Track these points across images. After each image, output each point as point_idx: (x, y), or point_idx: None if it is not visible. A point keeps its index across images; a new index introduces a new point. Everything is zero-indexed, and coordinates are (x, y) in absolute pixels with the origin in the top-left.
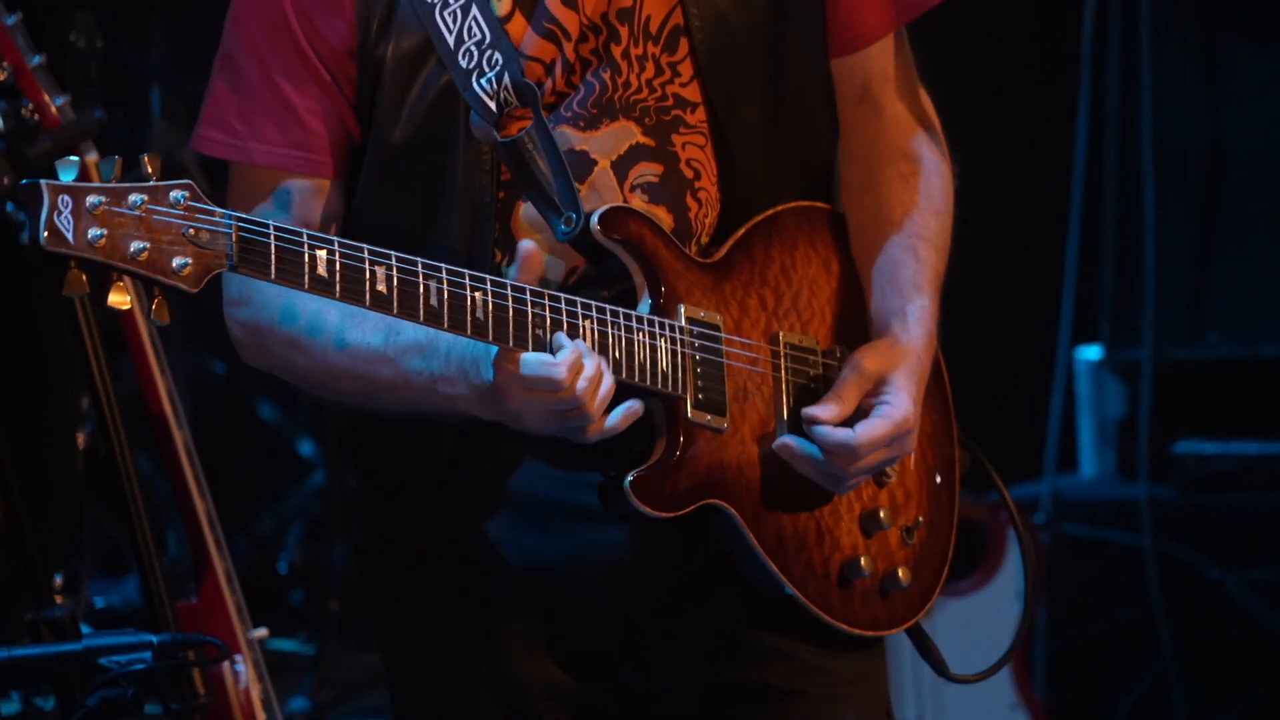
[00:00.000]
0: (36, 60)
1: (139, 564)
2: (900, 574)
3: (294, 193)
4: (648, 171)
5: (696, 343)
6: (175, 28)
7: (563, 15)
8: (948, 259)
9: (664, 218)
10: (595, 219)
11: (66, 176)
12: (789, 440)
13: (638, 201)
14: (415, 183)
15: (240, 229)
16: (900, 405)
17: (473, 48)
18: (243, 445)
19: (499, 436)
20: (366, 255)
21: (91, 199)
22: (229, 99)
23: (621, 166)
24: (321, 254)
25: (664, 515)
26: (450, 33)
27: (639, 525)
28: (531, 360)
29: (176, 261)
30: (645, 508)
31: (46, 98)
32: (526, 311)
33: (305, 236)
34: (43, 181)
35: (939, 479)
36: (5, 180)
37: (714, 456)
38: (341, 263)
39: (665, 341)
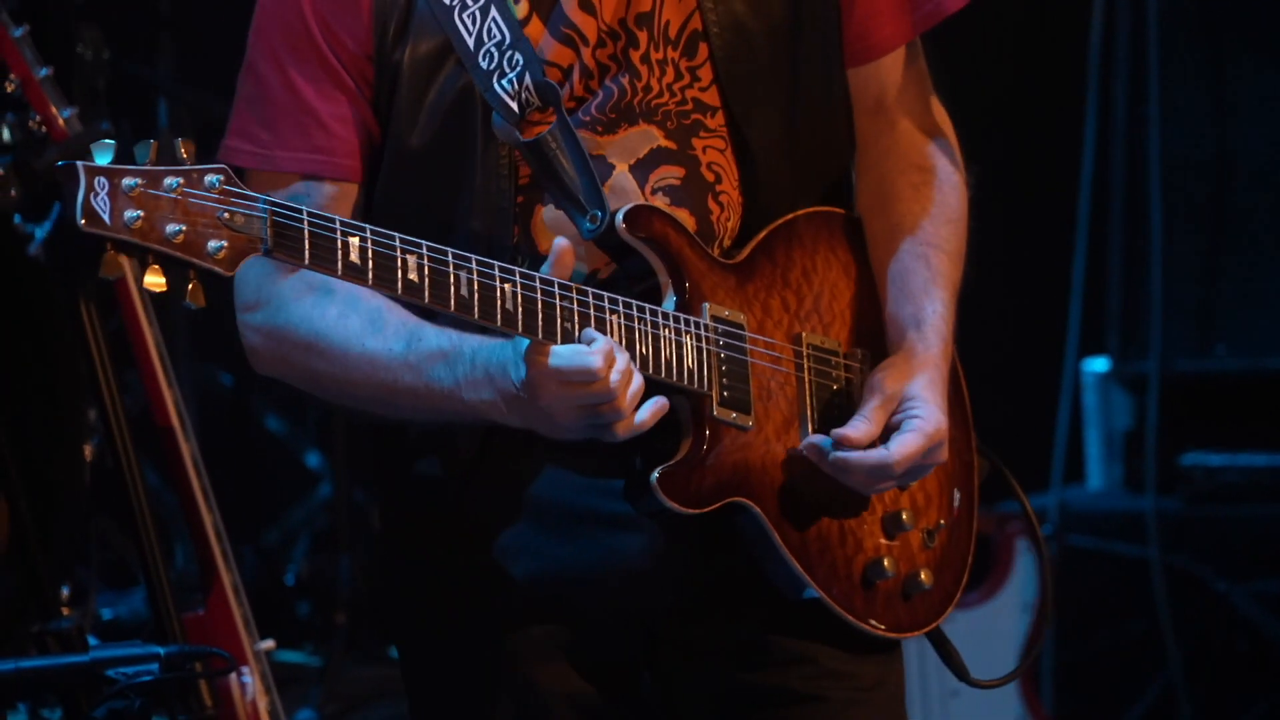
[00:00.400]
0: (44, 72)
1: (146, 576)
2: (922, 576)
3: (318, 196)
4: (669, 175)
5: (721, 340)
6: (183, 41)
7: (581, 21)
8: (963, 266)
9: (687, 220)
10: (621, 216)
11: (103, 158)
12: (816, 441)
13: (660, 204)
14: (433, 186)
15: (275, 213)
16: (930, 417)
17: (493, 49)
18: (250, 457)
19: (519, 442)
20: (399, 243)
21: (128, 181)
22: (253, 108)
23: (641, 170)
24: (354, 240)
25: (690, 511)
26: (470, 35)
27: (660, 531)
28: (565, 351)
29: (212, 244)
30: (672, 503)
31: (54, 110)
32: (555, 304)
33: (338, 223)
34: (79, 163)
35: (959, 485)
36: (13, 192)
37: (739, 455)
38: (374, 249)
39: (690, 338)
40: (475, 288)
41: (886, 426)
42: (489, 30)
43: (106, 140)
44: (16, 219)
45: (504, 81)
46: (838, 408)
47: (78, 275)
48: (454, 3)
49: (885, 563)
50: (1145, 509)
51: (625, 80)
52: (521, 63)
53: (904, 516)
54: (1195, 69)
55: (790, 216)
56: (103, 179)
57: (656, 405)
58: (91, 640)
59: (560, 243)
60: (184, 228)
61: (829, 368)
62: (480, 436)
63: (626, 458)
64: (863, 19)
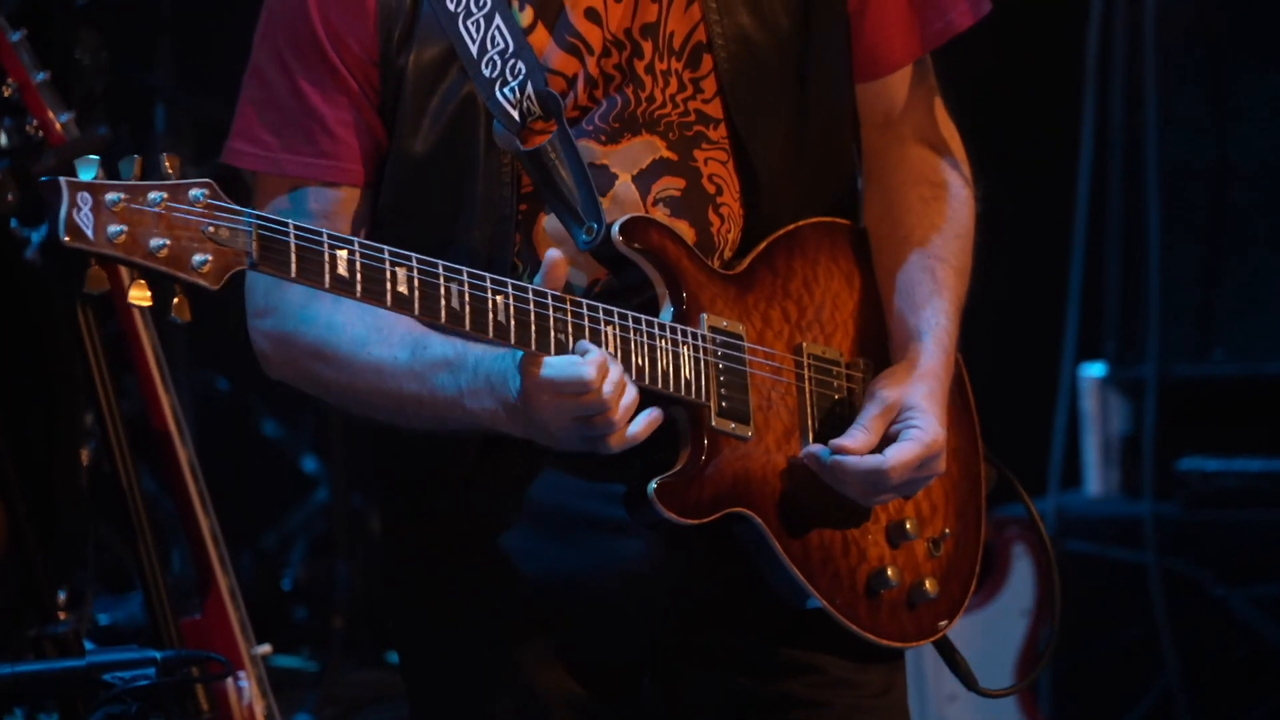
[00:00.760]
0: (41, 77)
1: (143, 580)
2: (927, 585)
3: (323, 201)
4: (670, 186)
5: (720, 351)
6: (181, 46)
7: (586, 30)
8: (969, 282)
9: (686, 232)
10: (616, 228)
11: (86, 174)
12: (815, 450)
13: (660, 215)
14: (436, 193)
15: (260, 227)
16: (928, 427)
17: (496, 57)
18: (246, 462)
19: (518, 447)
20: (387, 256)
21: (111, 196)
22: (259, 112)
23: (643, 180)
24: (342, 254)
25: (689, 522)
26: (473, 42)
27: (661, 538)
28: (558, 361)
29: (196, 258)
30: (670, 514)
31: (51, 115)
32: (548, 315)
33: (325, 236)
34: (62, 179)
35: (965, 494)
36: (10, 197)
37: (739, 465)
38: (362, 262)
39: (688, 349)
40: (466, 300)
41: (885, 436)
42: (492, 38)
43: (90, 156)
44: (13, 223)
45: (506, 90)
46: (839, 418)
47: (74, 280)
48: (458, 9)
49: (889, 572)
50: (1143, 514)
51: (629, 90)
52: (524, 71)
53: (908, 526)
54: (1192, 74)
55: (792, 227)
56: (86, 194)
57: (650, 418)
58: (88, 645)
59: (552, 254)
60: (168, 242)
61: (830, 378)
62: (480, 441)
63: (626, 466)
64: (872, 36)
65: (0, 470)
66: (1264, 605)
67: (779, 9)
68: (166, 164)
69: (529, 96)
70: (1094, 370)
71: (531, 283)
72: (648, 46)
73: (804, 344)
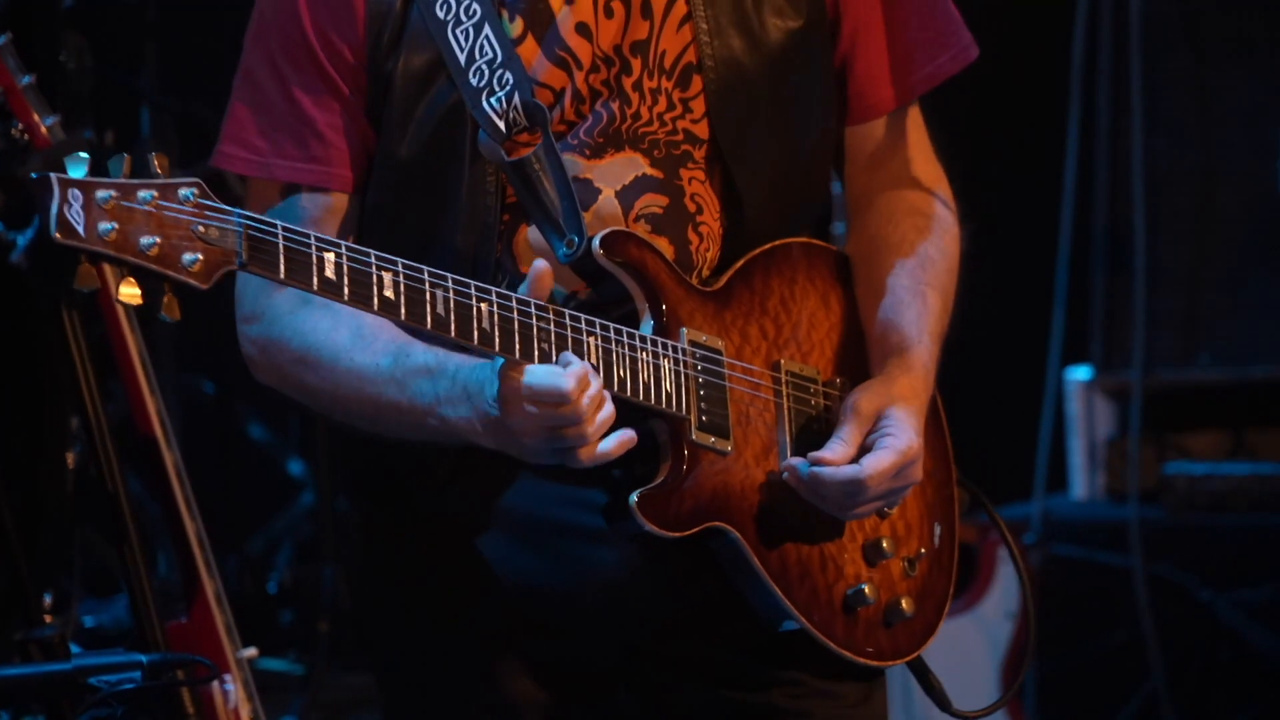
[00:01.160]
0: (27, 80)
1: (128, 584)
2: (904, 604)
3: (314, 206)
4: (652, 203)
5: (699, 365)
6: (166, 50)
7: (576, 44)
8: (950, 315)
9: (666, 249)
10: (597, 241)
11: (76, 171)
12: (794, 463)
13: (641, 231)
14: (419, 199)
15: (249, 226)
16: (903, 436)
17: (484, 66)
18: (232, 466)
19: (496, 454)
20: (374, 259)
21: (101, 193)
22: (249, 116)
23: (626, 196)
24: (329, 256)
25: (669, 535)
26: (462, 50)
27: (638, 548)
28: (539, 370)
29: (186, 257)
30: (651, 525)
31: (36, 118)
32: (532, 325)
33: (313, 238)
34: (53, 175)
35: (939, 516)
36: None
37: (718, 480)
38: (349, 265)
39: (669, 362)
40: (451, 306)
41: (862, 447)
42: (481, 47)
43: (81, 154)
44: None
45: (493, 100)
46: (817, 434)
47: (60, 284)
48: (448, 17)
49: (866, 590)
50: (1128, 518)
51: (616, 106)
52: (511, 82)
53: (884, 544)
54: (1178, 78)
55: (769, 246)
56: (76, 191)
57: (623, 437)
58: (74, 648)
59: (539, 264)
60: (158, 240)
61: (808, 395)
62: (458, 447)
63: (606, 478)
64: (862, 79)
65: None
66: (1249, 610)
67: (772, 32)
68: (155, 163)
69: (515, 107)
70: (1080, 374)
71: (515, 292)
72: (637, 64)
73: (781, 361)
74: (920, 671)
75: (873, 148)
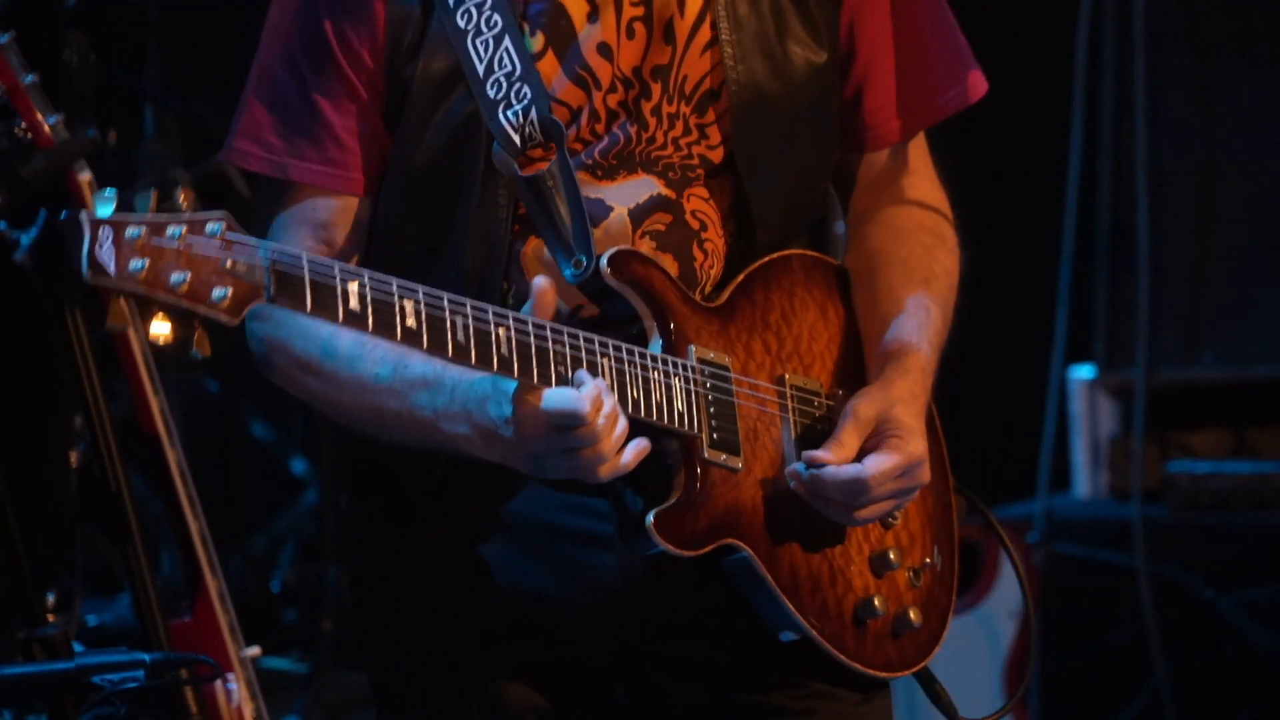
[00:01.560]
0: (30, 79)
1: (132, 582)
2: (911, 615)
3: (327, 210)
4: (660, 220)
5: (709, 383)
6: (169, 48)
7: (596, 64)
8: (949, 330)
9: (670, 265)
10: (605, 261)
11: (104, 209)
12: (796, 467)
13: (646, 247)
14: (432, 205)
15: (276, 261)
16: (906, 438)
17: (502, 79)
18: (236, 464)
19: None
20: (395, 288)
21: (131, 230)
22: (266, 114)
23: (638, 215)
24: (354, 286)
25: (685, 554)
26: (481, 61)
27: (637, 554)
28: (556, 394)
29: (216, 293)
30: (667, 545)
31: (40, 116)
32: (548, 349)
33: (337, 269)
34: (83, 214)
35: (940, 526)
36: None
37: (729, 496)
38: (373, 296)
39: (680, 381)
40: (471, 333)
41: (864, 450)
42: (500, 59)
43: (107, 191)
44: (2, 225)
45: (509, 113)
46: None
47: (64, 283)
48: (468, 26)
49: (876, 602)
50: (1132, 517)
51: (633, 130)
52: (529, 96)
53: (891, 556)
54: (1182, 77)
55: (766, 259)
56: (107, 229)
57: (639, 447)
58: (77, 647)
59: (540, 283)
60: (188, 276)
61: (812, 408)
62: (462, 454)
63: (612, 491)
64: (872, 111)
65: None
66: (1253, 609)
67: (794, 60)
68: (181, 198)
69: (532, 122)
70: (1083, 372)
71: (521, 310)
72: (657, 88)
73: (786, 375)
74: (927, 681)
75: (878, 171)
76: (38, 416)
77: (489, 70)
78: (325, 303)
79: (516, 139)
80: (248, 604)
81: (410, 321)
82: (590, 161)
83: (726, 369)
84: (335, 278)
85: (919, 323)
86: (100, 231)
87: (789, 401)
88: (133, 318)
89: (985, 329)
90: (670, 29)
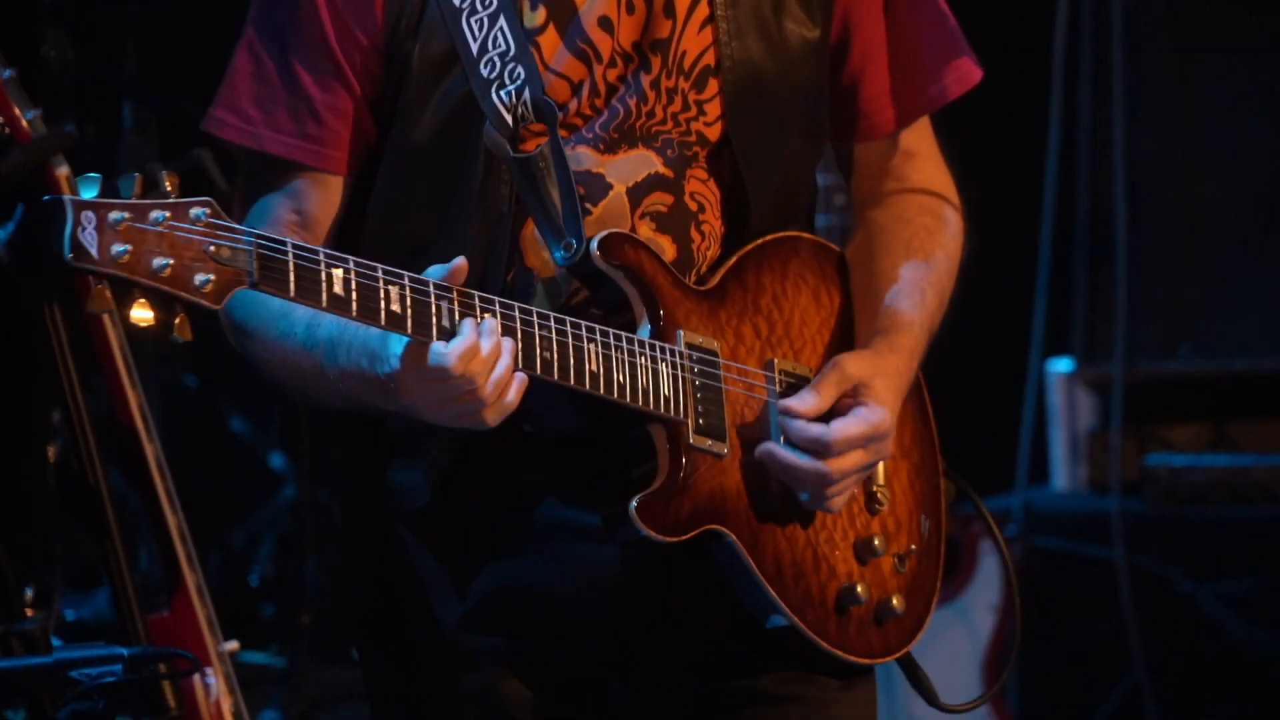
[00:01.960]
0: (8, 74)
1: (110, 577)
2: (894, 601)
3: (300, 185)
4: (659, 201)
5: (696, 368)
6: (148, 43)
7: (597, 38)
8: (943, 315)
9: (668, 247)
10: (595, 244)
11: (88, 193)
12: (771, 446)
13: (645, 229)
14: (432, 186)
15: (260, 246)
16: (875, 408)
17: (496, 58)
18: (214, 459)
19: (492, 452)
20: (380, 275)
21: (114, 215)
22: (247, 84)
23: (636, 194)
24: (338, 272)
25: (667, 540)
26: (474, 40)
27: (631, 547)
28: (433, 349)
29: (199, 278)
30: (650, 531)
31: (18, 111)
32: (534, 334)
33: (322, 255)
34: (66, 198)
35: (927, 511)
36: None
37: (714, 482)
38: (358, 281)
39: (666, 366)
40: (457, 319)
41: (836, 410)
42: (494, 39)
43: (91, 175)
44: None
45: (502, 93)
46: None
47: (42, 277)
48: (462, 5)
49: (859, 589)
50: (1110, 510)
51: (633, 103)
52: (523, 77)
53: (875, 542)
54: (1161, 70)
55: (759, 242)
56: (89, 213)
57: (521, 383)
58: (55, 641)
59: (457, 262)
60: (171, 261)
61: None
62: (457, 446)
63: (598, 473)
64: (868, 100)
65: None
66: (1231, 602)
67: (790, 39)
68: (166, 182)
69: (525, 102)
70: (1061, 366)
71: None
72: (656, 62)
73: (775, 360)
74: (910, 667)
75: (880, 158)
76: (15, 411)
77: (483, 50)
78: (308, 288)
79: (509, 119)
80: (226, 598)
81: (395, 306)
82: (591, 135)
83: (715, 354)
84: (320, 263)
85: (914, 304)
86: (83, 215)
87: (777, 387)
88: (113, 303)
89: (964, 322)
90: (670, 3)
